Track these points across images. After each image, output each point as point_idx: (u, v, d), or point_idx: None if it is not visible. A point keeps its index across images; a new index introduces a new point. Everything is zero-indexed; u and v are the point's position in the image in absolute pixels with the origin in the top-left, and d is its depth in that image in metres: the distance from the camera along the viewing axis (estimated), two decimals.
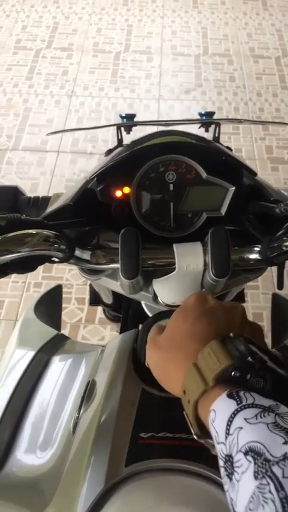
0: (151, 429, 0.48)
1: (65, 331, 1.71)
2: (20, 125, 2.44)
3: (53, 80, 2.68)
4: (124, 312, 0.82)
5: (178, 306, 0.62)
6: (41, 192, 2.06)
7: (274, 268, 0.64)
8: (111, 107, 2.54)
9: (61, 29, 3.01)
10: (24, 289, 1.83)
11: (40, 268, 0.57)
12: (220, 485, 0.45)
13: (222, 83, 2.71)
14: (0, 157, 2.28)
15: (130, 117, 0.70)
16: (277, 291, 1.80)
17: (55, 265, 1.87)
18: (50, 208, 0.61)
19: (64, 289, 1.81)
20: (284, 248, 0.55)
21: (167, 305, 0.63)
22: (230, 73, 2.77)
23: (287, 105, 2.58)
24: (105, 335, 1.71)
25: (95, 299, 0.90)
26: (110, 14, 3.13)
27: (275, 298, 0.92)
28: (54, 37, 2.95)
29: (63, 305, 1.77)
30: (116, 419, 0.49)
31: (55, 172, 2.23)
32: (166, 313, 0.59)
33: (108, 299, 0.87)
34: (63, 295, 1.79)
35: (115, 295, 0.83)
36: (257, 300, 1.80)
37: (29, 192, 0.67)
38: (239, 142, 2.40)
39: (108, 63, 2.79)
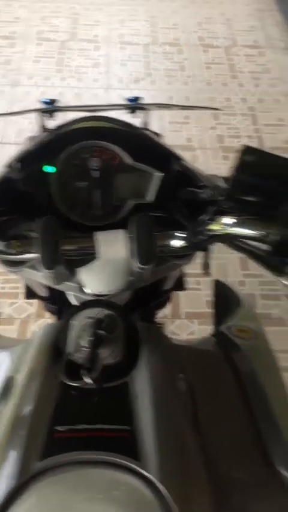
0: (69, 422, 0.46)
1: (14, 327, 1.66)
2: None
3: None
4: (58, 304, 0.79)
5: (106, 295, 0.60)
6: None
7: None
8: (58, 97, 2.47)
9: (2, 16, 2.90)
10: None
11: None
12: (144, 478, 0.43)
13: (172, 72, 2.69)
14: None
15: (52, 102, 0.67)
16: (214, 277, 1.78)
17: None
18: None
19: (12, 284, 1.76)
20: (208, 233, 0.54)
21: (95, 294, 0.60)
22: (179, 62, 2.75)
23: (237, 94, 2.59)
24: None
25: (29, 293, 0.86)
26: (54, 1, 3.05)
27: (218, 284, 0.91)
28: None
29: (12, 300, 1.72)
30: (32, 415, 0.47)
31: None
32: (93, 303, 0.57)
33: (42, 292, 0.83)
34: (11, 290, 1.74)
35: (49, 287, 0.80)
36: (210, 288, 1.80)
37: None
38: (190, 132, 2.38)
39: (53, 51, 2.72)
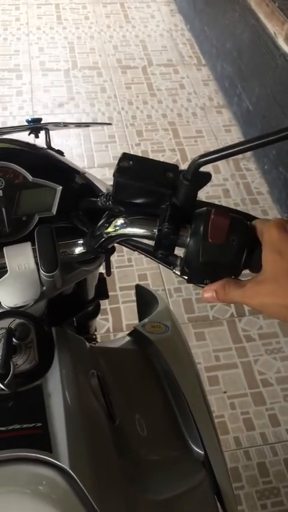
0: None
1: None
2: None
3: None
4: None
5: (22, 306, 0.65)
6: None
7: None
8: None
9: None
10: None
11: None
12: (57, 468, 0.47)
13: (94, 94, 2.79)
14: None
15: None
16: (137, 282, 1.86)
17: None
18: None
19: None
20: (105, 235, 0.60)
21: (12, 307, 0.65)
22: (100, 84, 2.86)
23: (157, 111, 2.72)
24: None
25: None
26: None
27: (138, 288, 0.98)
28: None
29: None
30: None
31: None
32: (5, 314, 0.60)
33: None
34: None
35: None
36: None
37: None
38: (116, 150, 2.48)
39: None
